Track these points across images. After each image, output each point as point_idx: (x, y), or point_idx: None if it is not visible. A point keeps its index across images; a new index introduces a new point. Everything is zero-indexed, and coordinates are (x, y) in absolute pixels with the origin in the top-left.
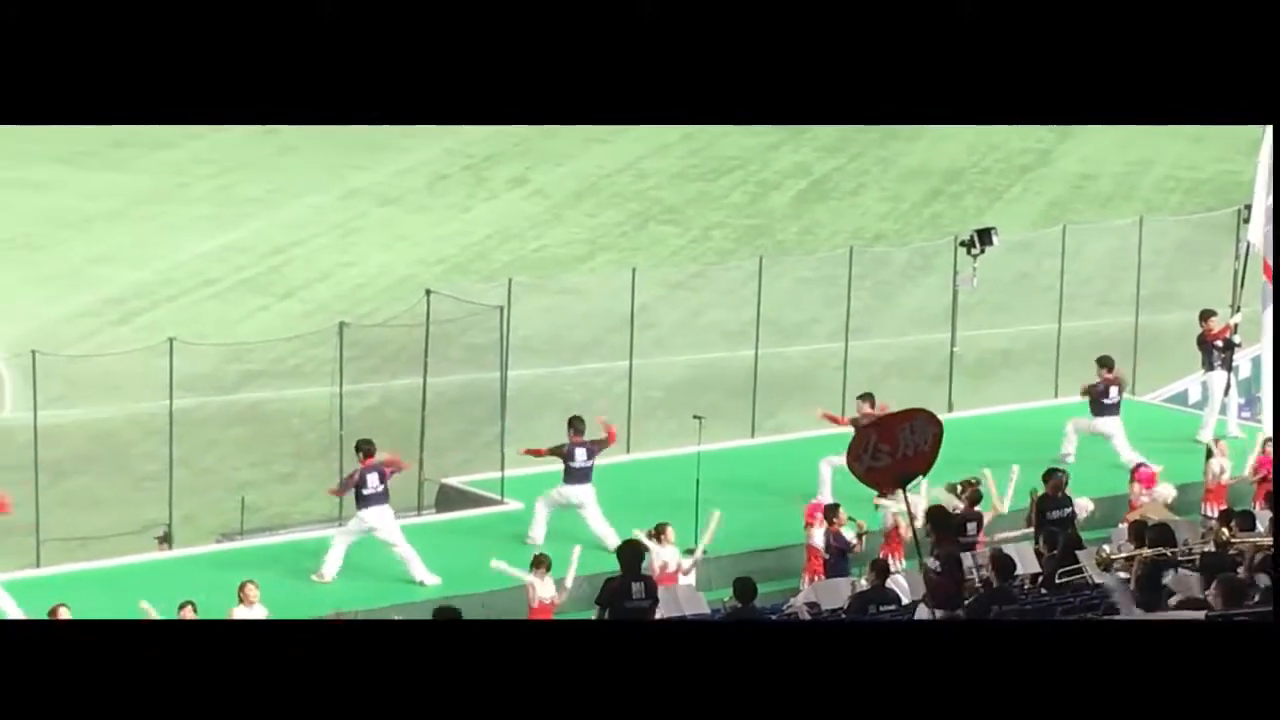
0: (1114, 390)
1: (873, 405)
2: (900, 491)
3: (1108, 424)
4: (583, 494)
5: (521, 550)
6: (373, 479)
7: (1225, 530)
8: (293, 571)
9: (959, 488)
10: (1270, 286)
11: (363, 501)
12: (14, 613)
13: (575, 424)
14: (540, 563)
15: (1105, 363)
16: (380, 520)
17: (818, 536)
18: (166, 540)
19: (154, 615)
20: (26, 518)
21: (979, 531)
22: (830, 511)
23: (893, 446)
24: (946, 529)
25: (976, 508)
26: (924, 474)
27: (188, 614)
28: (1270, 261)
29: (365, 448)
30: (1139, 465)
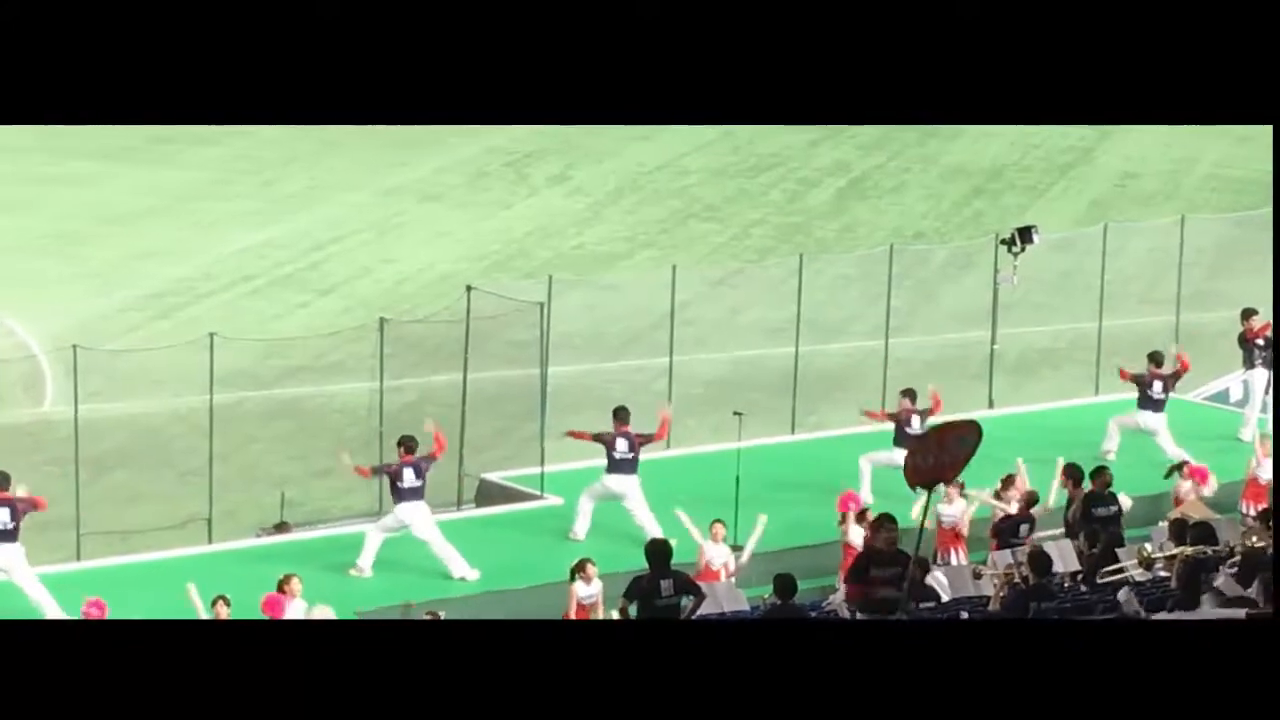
0: (1158, 385)
1: (914, 401)
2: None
3: (1151, 419)
4: (626, 485)
5: (563, 546)
6: (409, 474)
7: (1265, 529)
8: (331, 566)
9: (1002, 486)
10: None
11: (399, 495)
12: (53, 611)
13: (620, 414)
14: (582, 567)
15: (1155, 358)
16: (415, 516)
17: (855, 535)
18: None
19: (198, 601)
20: (67, 512)
21: (1030, 534)
22: (861, 515)
23: (940, 451)
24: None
25: (1031, 510)
26: (948, 483)
27: (221, 608)
28: None
29: (406, 443)
30: (1184, 463)
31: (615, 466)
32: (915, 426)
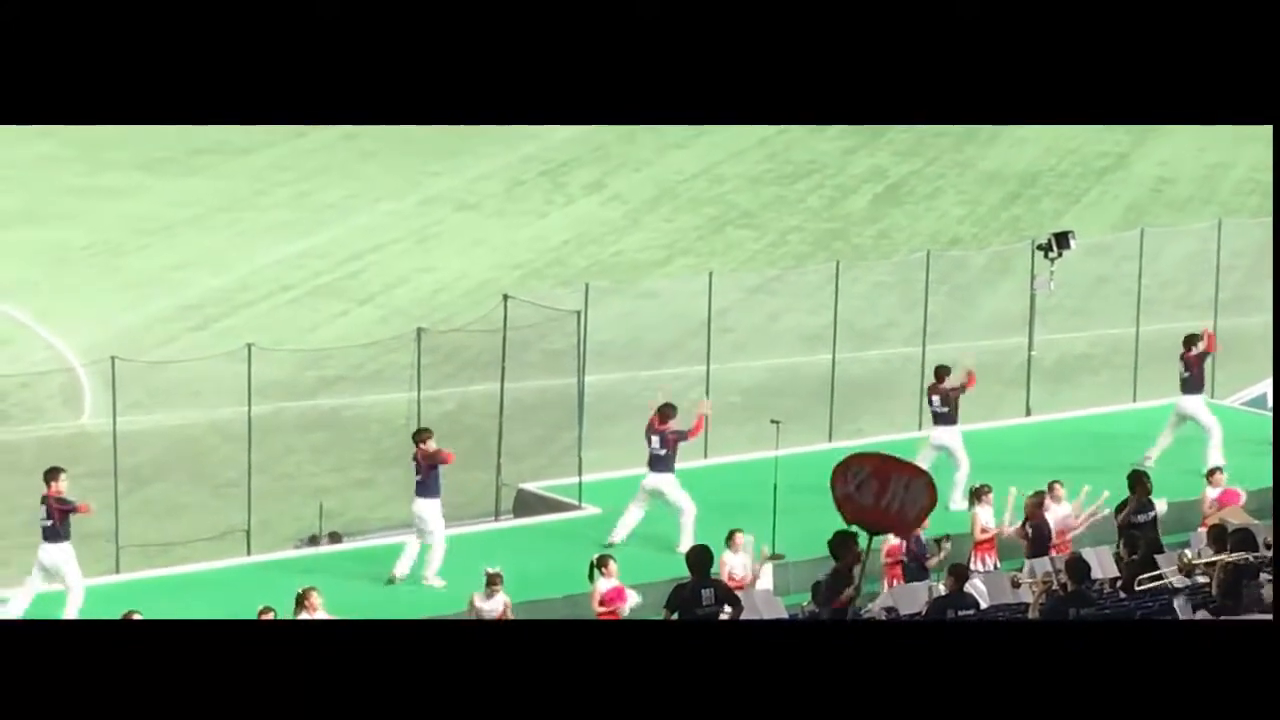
0: (1180, 366)
1: (942, 379)
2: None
3: (1185, 402)
4: (657, 482)
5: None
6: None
7: None
8: (372, 577)
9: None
10: None
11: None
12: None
13: (664, 410)
14: (603, 563)
15: (1188, 342)
16: (425, 511)
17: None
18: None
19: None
20: (106, 524)
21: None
22: None
23: (881, 489)
24: (846, 551)
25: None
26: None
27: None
28: None
29: (419, 436)
30: (1215, 470)
31: (650, 464)
32: (935, 404)
